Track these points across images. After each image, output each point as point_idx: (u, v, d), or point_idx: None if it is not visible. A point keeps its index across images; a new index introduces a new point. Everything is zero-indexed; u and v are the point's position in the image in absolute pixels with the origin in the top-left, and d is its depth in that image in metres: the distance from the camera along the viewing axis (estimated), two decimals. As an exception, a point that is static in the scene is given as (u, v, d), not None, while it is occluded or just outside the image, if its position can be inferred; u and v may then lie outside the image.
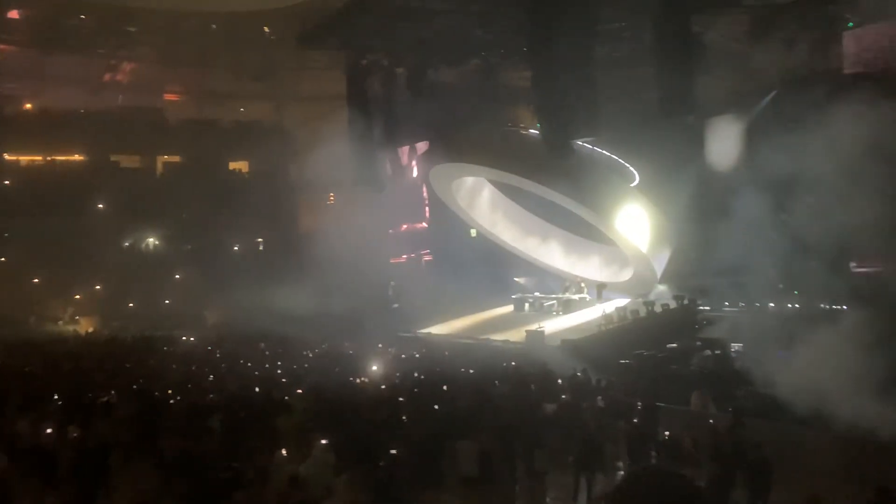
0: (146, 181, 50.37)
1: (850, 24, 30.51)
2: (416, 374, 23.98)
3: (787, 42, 30.08)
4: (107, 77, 54.60)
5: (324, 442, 12.81)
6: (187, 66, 55.06)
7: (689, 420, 17.37)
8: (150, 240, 49.69)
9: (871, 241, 24.40)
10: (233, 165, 55.75)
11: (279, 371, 27.11)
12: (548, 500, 14.21)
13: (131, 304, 45.40)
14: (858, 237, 23.42)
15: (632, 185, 35.16)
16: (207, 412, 16.94)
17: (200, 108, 55.97)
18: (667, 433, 15.29)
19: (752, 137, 31.14)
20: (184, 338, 37.06)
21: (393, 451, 13.04)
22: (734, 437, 13.77)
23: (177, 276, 47.28)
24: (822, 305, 28.44)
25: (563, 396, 19.38)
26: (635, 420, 16.96)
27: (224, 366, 28.26)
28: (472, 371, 24.85)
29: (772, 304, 30.62)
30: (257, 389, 21.18)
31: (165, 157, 54.03)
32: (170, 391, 21.24)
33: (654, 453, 14.94)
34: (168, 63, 54.55)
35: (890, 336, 18.63)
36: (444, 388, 20.75)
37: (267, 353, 32.29)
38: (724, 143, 31.84)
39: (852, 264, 28.29)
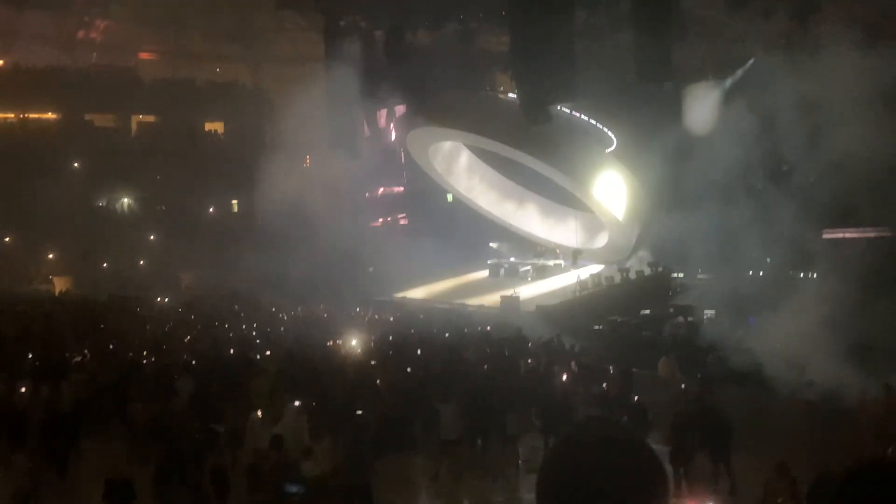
0: (120, 141, 49.78)
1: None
2: (390, 338, 24.09)
3: (765, 9, 30.04)
4: (81, 35, 53.71)
5: (297, 404, 12.87)
6: (162, 25, 54.30)
7: (656, 385, 17.57)
8: (124, 200, 49.22)
9: (843, 207, 24.65)
10: (208, 126, 55.21)
11: (254, 333, 27.14)
12: (520, 463, 14.35)
13: (105, 265, 45.07)
14: (832, 203, 23.64)
15: (609, 150, 35.19)
16: (181, 374, 16.94)
17: (175, 68, 55.24)
18: (636, 397, 15.44)
19: (730, 104, 31.22)
20: (158, 299, 36.90)
21: (359, 412, 13.11)
22: (701, 403, 13.94)
23: (151, 237, 46.97)
24: (793, 272, 28.77)
25: (530, 361, 19.56)
26: (607, 385, 17.15)
27: (199, 327, 28.23)
28: (447, 335, 24.98)
29: (745, 272, 30.88)
30: (231, 351, 21.24)
31: (140, 116, 53.39)
32: (144, 352, 21.22)
33: (625, 418, 15.12)
34: (143, 22, 53.70)
35: (859, 302, 18.89)
36: (419, 352, 20.88)
37: (241, 315, 32.27)
38: (701, 109, 31.89)
39: (825, 231, 28.47)
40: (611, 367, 18.24)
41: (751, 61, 32.11)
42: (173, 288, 40.59)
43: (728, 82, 32.77)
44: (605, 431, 1.85)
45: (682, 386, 16.24)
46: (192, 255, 42.80)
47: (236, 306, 34.15)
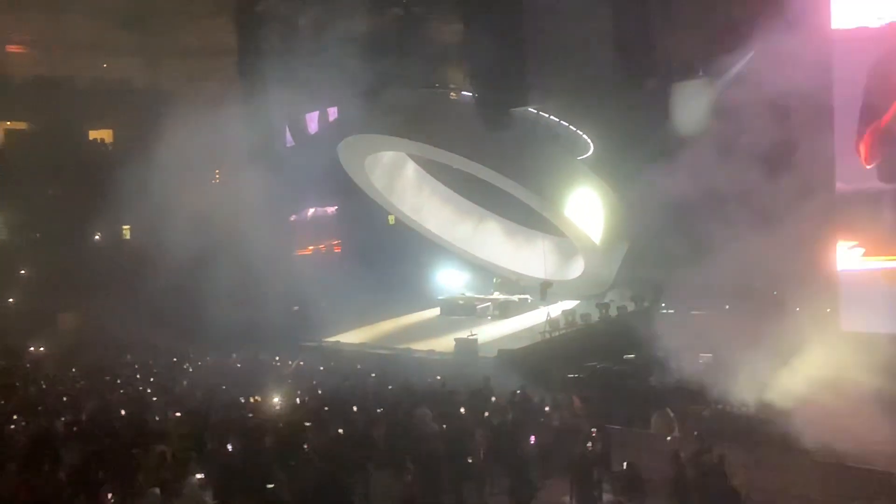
0: (-17, 153, 49.13)
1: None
2: (319, 393, 23.91)
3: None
4: (-69, 22, 52.96)
5: (199, 477, 12.67)
6: (36, 10, 53.68)
7: (648, 445, 17.59)
8: (-11, 226, 48.50)
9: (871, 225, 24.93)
10: (93, 134, 54.62)
11: (149, 390, 26.77)
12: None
13: (-36, 307, 44.33)
14: (855, 221, 23.97)
15: (584, 156, 35.40)
16: (60, 442, 16.64)
17: (53, 63, 54.59)
18: (624, 464, 15.44)
19: (726, 106, 31.62)
20: (31, 348, 36.26)
21: (271, 486, 12.97)
22: (699, 466, 13.98)
23: (22, 271, 46.22)
24: (806, 307, 29.05)
25: (487, 414, 19.53)
26: (585, 446, 17.13)
27: (82, 383, 27.81)
28: (389, 388, 24.85)
29: (748, 306, 31.14)
30: (123, 412, 20.93)
31: (8, 123, 52.68)
32: (14, 416, 20.84)
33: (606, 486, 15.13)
34: (11, 5, 53.08)
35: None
36: (355, 408, 20.73)
37: (135, 366, 31.84)
38: (691, 111, 32.24)
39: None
40: (590, 426, 18.22)
41: (750, 54, 32.62)
42: (50, 334, 39.90)
43: (723, 79, 33.20)
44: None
45: (670, 443, 16.30)
46: (74, 293, 42.12)
47: (129, 356, 33.65)
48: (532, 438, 17.12)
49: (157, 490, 12.97)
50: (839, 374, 18.30)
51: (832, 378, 18.36)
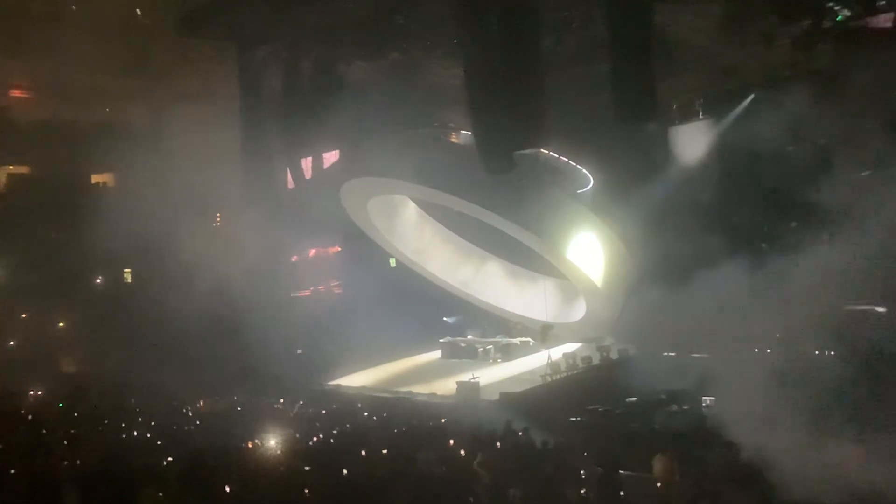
0: (-14, 197, 49.14)
1: (840, 16, 31.38)
2: (321, 436, 23.86)
3: (766, 37, 30.79)
4: (-67, 67, 53.15)
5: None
6: (39, 56, 53.97)
7: (650, 490, 17.56)
8: (-10, 270, 48.43)
9: (869, 273, 25.00)
10: (95, 178, 54.66)
11: (149, 435, 26.67)
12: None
13: (-35, 351, 44.18)
14: (855, 268, 24.01)
15: (584, 190, 35.47)
16: (60, 486, 16.59)
17: (55, 108, 54.75)
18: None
19: (726, 148, 31.75)
20: (32, 392, 36.14)
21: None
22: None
23: (23, 315, 46.14)
24: (812, 351, 29.05)
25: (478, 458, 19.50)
26: (588, 490, 17.08)
27: (83, 427, 27.69)
28: (394, 431, 24.81)
29: (749, 350, 31.13)
30: (124, 456, 20.85)
31: (10, 167, 52.75)
32: (13, 461, 20.74)
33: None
34: (15, 51, 53.33)
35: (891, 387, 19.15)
36: (364, 452, 20.69)
37: (137, 410, 31.73)
38: (692, 154, 32.38)
39: (849, 303, 28.87)
40: (593, 469, 18.17)
41: (750, 97, 32.84)
42: (51, 378, 39.77)
43: (724, 121, 33.39)
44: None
45: (672, 487, 16.26)
46: (75, 337, 41.99)
47: (133, 400, 33.54)
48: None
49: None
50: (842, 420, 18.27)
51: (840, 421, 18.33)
